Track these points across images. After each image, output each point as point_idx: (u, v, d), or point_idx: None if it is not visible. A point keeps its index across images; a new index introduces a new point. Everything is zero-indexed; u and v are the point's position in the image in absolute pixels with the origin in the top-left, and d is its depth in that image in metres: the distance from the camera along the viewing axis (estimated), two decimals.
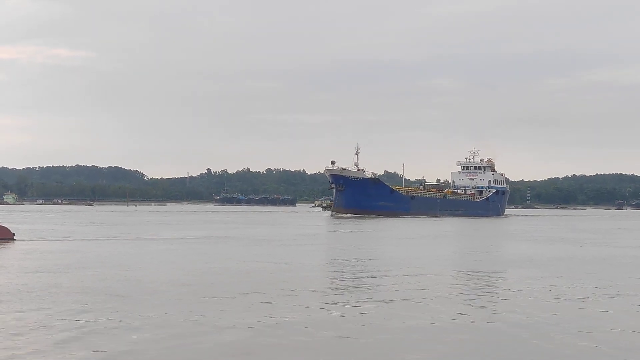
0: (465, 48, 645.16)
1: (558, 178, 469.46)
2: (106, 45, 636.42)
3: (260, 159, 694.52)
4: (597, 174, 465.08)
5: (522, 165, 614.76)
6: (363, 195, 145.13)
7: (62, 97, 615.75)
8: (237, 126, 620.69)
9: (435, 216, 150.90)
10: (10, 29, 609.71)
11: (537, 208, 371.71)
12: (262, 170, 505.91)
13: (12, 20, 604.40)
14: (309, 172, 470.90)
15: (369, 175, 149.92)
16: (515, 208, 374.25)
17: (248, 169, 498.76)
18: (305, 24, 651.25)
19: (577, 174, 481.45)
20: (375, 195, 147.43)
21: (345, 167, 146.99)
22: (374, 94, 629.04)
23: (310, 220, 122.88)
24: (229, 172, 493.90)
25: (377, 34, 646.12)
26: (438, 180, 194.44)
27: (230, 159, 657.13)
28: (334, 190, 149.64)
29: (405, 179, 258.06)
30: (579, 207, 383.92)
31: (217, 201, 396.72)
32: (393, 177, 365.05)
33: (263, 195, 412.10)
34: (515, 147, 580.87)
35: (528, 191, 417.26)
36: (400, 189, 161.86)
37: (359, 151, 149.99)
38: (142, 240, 57.88)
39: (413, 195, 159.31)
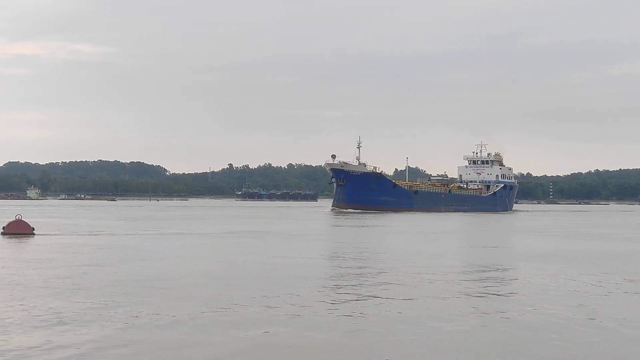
0: (485, 41, 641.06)
1: (581, 173, 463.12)
2: (128, 41, 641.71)
3: (281, 154, 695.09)
4: (620, 169, 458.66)
5: (544, 160, 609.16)
6: (364, 190, 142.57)
7: (85, 92, 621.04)
8: (258, 121, 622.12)
9: (440, 211, 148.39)
10: (31, 25, 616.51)
11: (559, 203, 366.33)
12: (284, 165, 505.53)
13: (33, 16, 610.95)
14: None
15: (370, 169, 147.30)
16: (538, 203, 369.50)
17: (269, 164, 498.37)
18: (326, 17, 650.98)
19: (600, 169, 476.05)
20: (376, 190, 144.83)
21: (346, 161, 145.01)
22: (395, 88, 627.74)
23: (325, 216, 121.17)
24: (251, 167, 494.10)
25: (397, 27, 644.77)
26: (460, 177, 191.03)
27: (252, 154, 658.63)
28: (335, 185, 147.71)
29: (427, 174, 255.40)
30: (602, 203, 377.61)
31: (238, 196, 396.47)
32: (415, 172, 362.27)
33: (284, 191, 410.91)
34: (538, 141, 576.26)
35: (551, 186, 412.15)
36: (403, 184, 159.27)
37: (360, 145, 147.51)
38: (176, 234, 56.95)
39: (416, 190, 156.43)
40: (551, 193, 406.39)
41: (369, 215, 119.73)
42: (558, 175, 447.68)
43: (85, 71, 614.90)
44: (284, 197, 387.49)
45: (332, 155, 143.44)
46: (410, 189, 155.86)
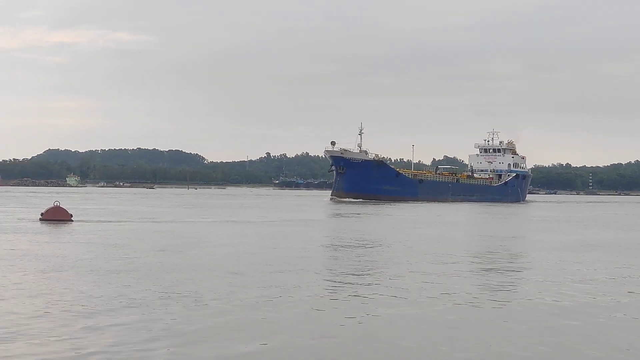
0: (526, 30, 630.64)
1: (621, 164, 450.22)
2: (167, 30, 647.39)
3: (319, 143, 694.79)
4: None
5: (584, 151, 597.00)
6: (365, 179, 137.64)
7: (124, 80, 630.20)
8: (296, 110, 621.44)
9: (446, 201, 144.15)
10: (71, 13, 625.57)
11: (599, 194, 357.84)
12: (321, 154, 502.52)
13: (73, 5, 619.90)
14: None
15: (372, 156, 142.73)
16: (577, 194, 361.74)
17: (307, 153, 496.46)
18: (364, 7, 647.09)
19: None
20: (378, 178, 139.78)
21: (346, 148, 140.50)
22: (433, 78, 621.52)
23: (322, 205, 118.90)
24: (288, 156, 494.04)
25: (436, 17, 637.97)
26: (471, 165, 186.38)
27: (290, 143, 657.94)
28: (334, 173, 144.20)
29: (464, 164, 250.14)
30: None
31: (276, 185, 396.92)
32: (453, 161, 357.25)
33: (322, 180, 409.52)
34: (577, 132, 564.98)
35: (590, 177, 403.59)
36: (408, 172, 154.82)
37: (362, 131, 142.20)
38: (229, 222, 56.19)
39: (421, 179, 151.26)
40: (590, 184, 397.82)
41: (368, 204, 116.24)
42: (597, 166, 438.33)
43: (124, 59, 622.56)
44: (321, 186, 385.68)
45: (331, 142, 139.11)
46: (415, 178, 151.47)
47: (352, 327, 16.12)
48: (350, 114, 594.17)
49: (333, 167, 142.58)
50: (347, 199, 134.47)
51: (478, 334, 15.75)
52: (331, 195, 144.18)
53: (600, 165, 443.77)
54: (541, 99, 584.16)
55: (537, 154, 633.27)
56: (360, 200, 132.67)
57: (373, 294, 20.54)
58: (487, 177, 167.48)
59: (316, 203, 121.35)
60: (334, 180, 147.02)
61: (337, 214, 78.96)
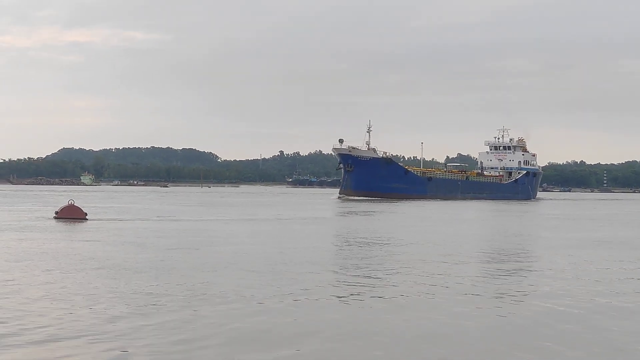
0: (542, 28, 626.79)
1: (636, 161, 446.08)
2: (180, 28, 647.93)
3: (331, 142, 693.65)
4: None
5: (598, 148, 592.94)
6: (374, 176, 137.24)
7: (137, 79, 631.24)
8: (309, 108, 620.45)
9: (456, 199, 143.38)
10: (85, 12, 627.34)
11: (613, 192, 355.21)
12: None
13: (87, 4, 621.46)
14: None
15: (380, 154, 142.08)
16: (591, 192, 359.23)
17: (320, 152, 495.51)
18: (373, 6, 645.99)
19: None
20: (387, 176, 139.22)
21: (355, 146, 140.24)
22: (445, 76, 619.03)
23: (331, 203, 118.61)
24: (301, 155, 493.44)
25: (450, 14, 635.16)
26: (481, 163, 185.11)
27: (302, 142, 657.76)
28: (342, 170, 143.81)
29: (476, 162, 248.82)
30: None
31: (289, 183, 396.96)
32: (466, 159, 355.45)
33: (335, 178, 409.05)
34: (591, 129, 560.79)
35: (605, 174, 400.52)
36: (416, 170, 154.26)
37: (370, 129, 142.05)
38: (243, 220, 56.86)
39: (430, 177, 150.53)
40: (605, 181, 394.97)
41: (378, 202, 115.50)
42: (612, 164, 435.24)
43: (139, 58, 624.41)
44: (334, 184, 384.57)
45: (339, 140, 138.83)
46: (424, 176, 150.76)
47: (387, 328, 15.62)
48: (361, 112, 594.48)
49: (341, 165, 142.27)
50: (355, 197, 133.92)
51: (530, 335, 15.26)
52: (339, 193, 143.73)
53: (615, 163, 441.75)
54: (555, 96, 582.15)
55: (551, 151, 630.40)
56: (369, 198, 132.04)
57: (404, 294, 20.08)
58: (497, 174, 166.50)
59: (328, 201, 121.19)
60: (342, 178, 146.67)
61: (349, 212, 78.84)
